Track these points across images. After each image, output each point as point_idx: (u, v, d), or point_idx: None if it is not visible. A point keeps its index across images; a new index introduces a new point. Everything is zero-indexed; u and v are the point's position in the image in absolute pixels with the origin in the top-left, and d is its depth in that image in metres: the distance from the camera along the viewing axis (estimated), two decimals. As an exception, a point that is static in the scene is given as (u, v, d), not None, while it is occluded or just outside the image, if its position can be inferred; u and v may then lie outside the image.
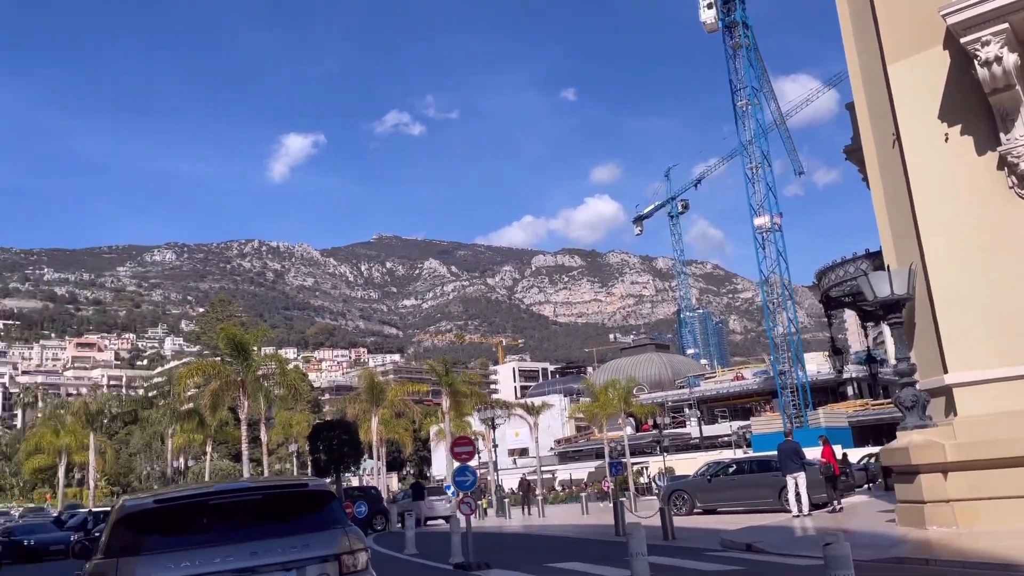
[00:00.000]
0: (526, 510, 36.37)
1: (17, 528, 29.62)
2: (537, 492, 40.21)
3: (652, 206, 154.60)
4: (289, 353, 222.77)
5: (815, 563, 11.31)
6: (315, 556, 5.21)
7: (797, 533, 15.98)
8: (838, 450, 22.26)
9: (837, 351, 26.91)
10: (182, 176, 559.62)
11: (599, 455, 67.07)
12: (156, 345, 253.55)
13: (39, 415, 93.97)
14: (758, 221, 68.10)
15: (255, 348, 36.45)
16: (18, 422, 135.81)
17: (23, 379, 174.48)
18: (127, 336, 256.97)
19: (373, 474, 59.69)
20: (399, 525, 30.36)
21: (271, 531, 5.32)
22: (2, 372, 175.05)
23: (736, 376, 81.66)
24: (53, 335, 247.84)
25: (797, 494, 18.81)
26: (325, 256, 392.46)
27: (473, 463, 14.84)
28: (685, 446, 69.42)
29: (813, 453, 22.03)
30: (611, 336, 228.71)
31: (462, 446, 14.50)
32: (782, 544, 13.56)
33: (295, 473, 65.37)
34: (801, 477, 18.82)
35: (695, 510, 23.23)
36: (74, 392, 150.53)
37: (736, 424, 68.77)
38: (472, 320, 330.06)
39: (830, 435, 25.07)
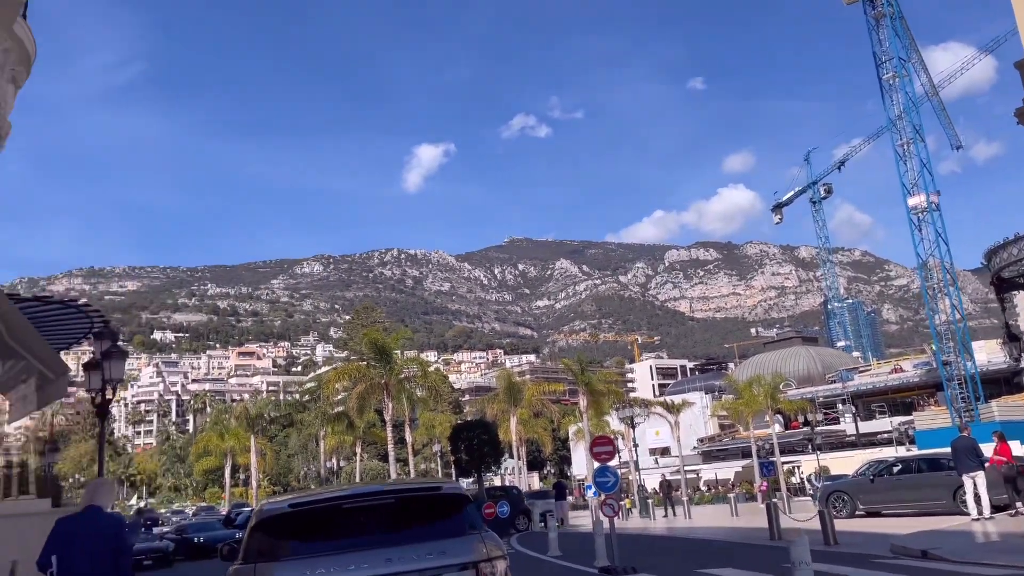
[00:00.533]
0: (669, 511, 35.29)
1: (189, 526, 31.79)
2: (679, 492, 38.99)
3: (792, 192, 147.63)
4: (429, 356, 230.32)
5: (1005, 573, 10.04)
6: (452, 564, 4.97)
7: (979, 539, 14.39)
8: (1015, 446, 19.98)
9: (1013, 337, 24.34)
10: (326, 191, 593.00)
11: (745, 454, 64.44)
12: (308, 352, 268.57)
13: (207, 420, 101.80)
14: (912, 201, 62.94)
15: (397, 352, 37.58)
16: (190, 427, 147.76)
17: (193, 387, 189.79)
18: (282, 344, 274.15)
19: (514, 473, 60.19)
20: (542, 525, 30.28)
21: (405, 537, 5.15)
22: (175, 381, 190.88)
23: (895, 369, 76.14)
24: (217, 345, 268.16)
25: (976, 495, 17.02)
26: (460, 261, 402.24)
27: (613, 463, 14.36)
28: (839, 444, 65.44)
29: (987, 450, 19.88)
30: (752, 330, 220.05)
31: (601, 446, 14.04)
32: (963, 551, 12.19)
33: (439, 473, 67.04)
34: (980, 477, 17.02)
35: (856, 512, 21.54)
36: (237, 398, 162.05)
37: (896, 420, 64.03)
38: (606, 319, 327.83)
39: (1006, 430, 22.59)
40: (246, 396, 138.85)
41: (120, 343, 15.92)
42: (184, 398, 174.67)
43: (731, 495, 32.90)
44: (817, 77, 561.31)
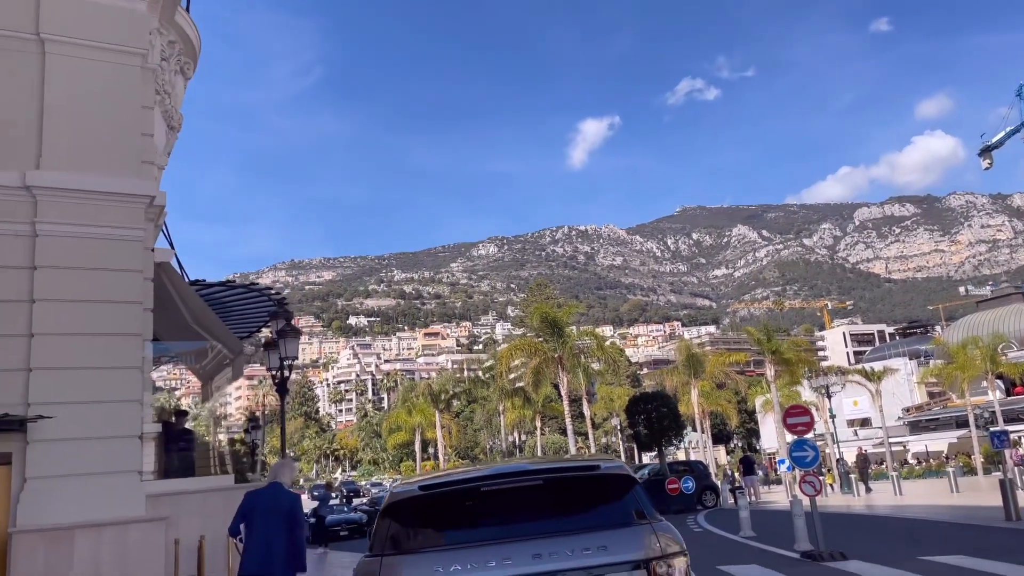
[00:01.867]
0: (864, 487, 32.27)
1: (381, 499, 33.10)
2: (883, 466, 35.50)
3: (1004, 132, 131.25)
4: (605, 331, 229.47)
5: None
6: (617, 562, 4.03)
7: None
8: None
9: None
10: (496, 174, 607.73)
11: (960, 424, 58.14)
12: (488, 331, 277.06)
13: (397, 398, 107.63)
14: None
15: (570, 326, 37.07)
16: (385, 404, 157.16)
17: (386, 367, 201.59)
18: (464, 324, 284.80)
19: (698, 447, 58.19)
20: (731, 502, 28.63)
21: (557, 526, 4.26)
22: (369, 362, 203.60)
23: None
24: (405, 327, 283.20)
25: None
26: (631, 234, 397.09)
27: (811, 435, 12.77)
28: (1077, 411, 57.33)
29: None
30: (961, 289, 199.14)
31: (797, 416, 12.43)
32: None
33: (620, 448, 66.27)
34: None
35: (1117, 491, 18.29)
36: (425, 376, 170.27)
37: None
38: (790, 285, 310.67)
39: None
40: (433, 374, 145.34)
41: (293, 323, 16.45)
42: (378, 377, 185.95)
43: (949, 468, 29.34)
44: (1019, 3, 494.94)
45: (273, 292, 16.74)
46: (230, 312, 19.81)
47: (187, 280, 15.41)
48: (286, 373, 14.62)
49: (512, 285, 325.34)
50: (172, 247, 12.76)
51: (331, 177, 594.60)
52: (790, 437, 12.60)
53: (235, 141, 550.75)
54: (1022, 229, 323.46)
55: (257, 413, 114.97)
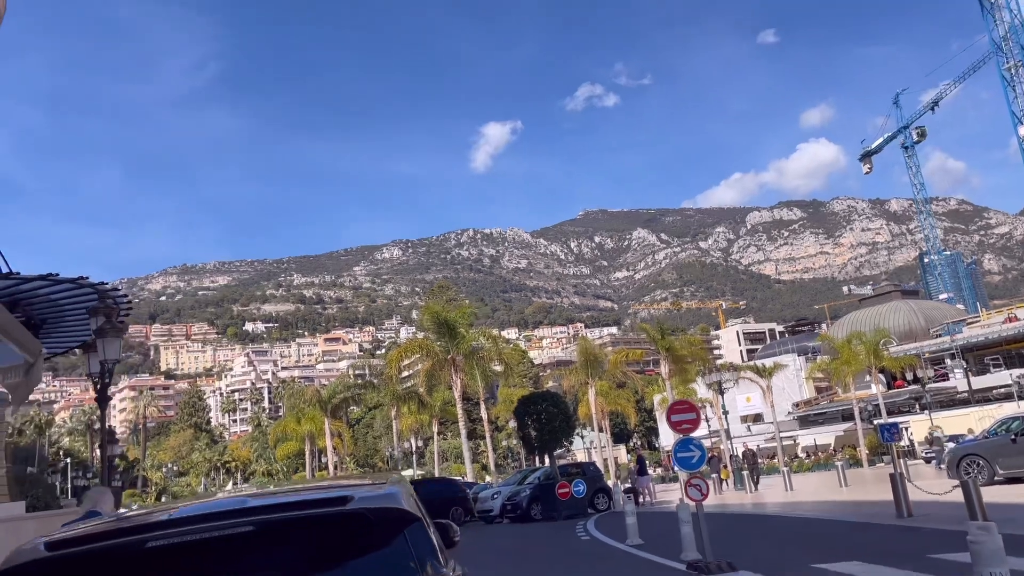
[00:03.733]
0: (752, 485, 31.94)
1: None
2: (775, 460, 35.73)
3: (882, 139, 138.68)
4: (511, 333, 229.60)
5: None
6: None
7: None
8: None
9: None
10: (400, 176, 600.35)
11: (846, 417, 60.19)
12: (393, 335, 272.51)
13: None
14: (1023, 131, 57.10)
15: (464, 327, 35.54)
16: (281, 413, 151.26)
17: (283, 374, 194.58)
18: (368, 329, 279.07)
19: (596, 447, 57.83)
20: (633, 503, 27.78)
21: None
22: (265, 369, 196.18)
23: (1009, 318, 69.75)
24: (306, 333, 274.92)
25: None
26: (535, 237, 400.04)
27: (698, 433, 11.61)
28: (950, 402, 60.31)
29: None
30: (844, 289, 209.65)
31: (681, 413, 11.14)
32: None
33: (522, 452, 65.24)
34: None
35: (995, 479, 18.23)
36: (325, 383, 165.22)
37: (1016, 372, 58.50)
38: (688, 286, 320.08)
39: None
40: (334, 381, 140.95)
41: (122, 319, 14.17)
42: (275, 385, 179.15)
43: (837, 462, 29.49)
44: (898, 17, 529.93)
45: (107, 286, 14.41)
46: (63, 312, 17.23)
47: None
48: (107, 379, 12.28)
49: (417, 289, 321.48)
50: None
51: (227, 178, 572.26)
52: (675, 436, 11.43)
53: (125, 140, 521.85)
54: (898, 232, 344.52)
55: (138, 426, 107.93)
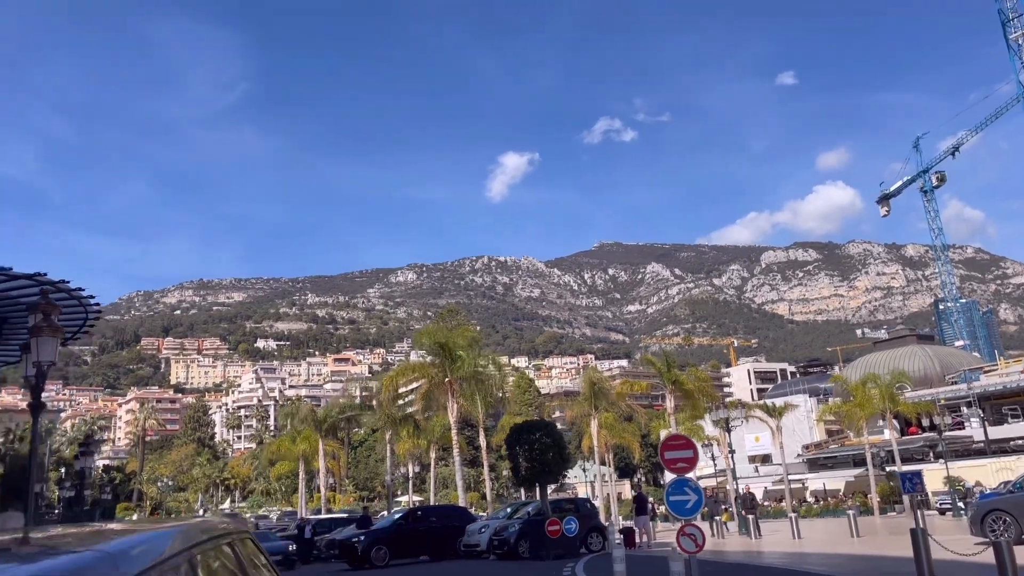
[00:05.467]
0: (753, 531, 29.48)
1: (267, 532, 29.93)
2: (782, 503, 34.13)
3: (901, 181, 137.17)
4: (521, 362, 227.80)
5: None
6: None
7: None
8: None
9: None
10: (418, 201, 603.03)
11: (857, 462, 58.22)
12: (403, 358, 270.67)
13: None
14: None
15: (464, 350, 34.40)
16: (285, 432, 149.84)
17: (290, 392, 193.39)
18: (378, 351, 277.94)
19: (596, 481, 56.20)
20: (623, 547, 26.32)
21: None
22: (272, 387, 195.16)
23: (1028, 368, 67.80)
24: (317, 353, 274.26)
25: None
26: (549, 267, 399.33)
27: (693, 474, 10.33)
28: (965, 452, 58.28)
29: None
30: (858, 332, 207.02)
31: (676, 449, 9.88)
32: None
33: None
34: None
35: (1023, 537, 16.83)
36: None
37: (1035, 425, 56.59)
38: (700, 322, 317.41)
39: None
40: (341, 401, 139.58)
41: (87, 328, 13.26)
42: (281, 403, 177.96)
43: (849, 511, 27.84)
44: (917, 64, 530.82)
45: (69, 284, 13.54)
46: (25, 313, 16.37)
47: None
48: (41, 384, 11.15)
49: (429, 313, 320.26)
50: None
51: (249, 196, 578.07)
52: (670, 477, 10.22)
53: (149, 153, 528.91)
54: (914, 278, 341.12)
55: (139, 438, 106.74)
